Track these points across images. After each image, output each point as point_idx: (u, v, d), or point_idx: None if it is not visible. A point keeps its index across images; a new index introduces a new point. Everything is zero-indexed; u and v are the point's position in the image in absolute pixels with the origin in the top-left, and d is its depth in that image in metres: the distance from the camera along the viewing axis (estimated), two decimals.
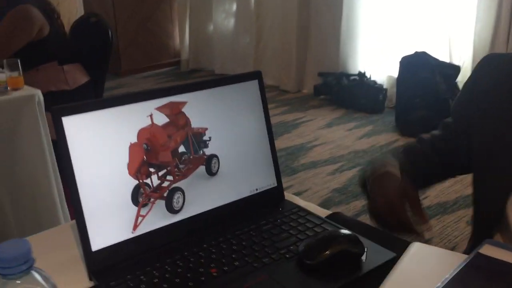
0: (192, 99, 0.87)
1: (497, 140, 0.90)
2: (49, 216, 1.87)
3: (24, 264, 0.49)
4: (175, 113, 0.85)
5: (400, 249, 0.81)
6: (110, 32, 2.58)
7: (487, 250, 0.77)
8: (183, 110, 0.86)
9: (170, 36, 5.75)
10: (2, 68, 1.90)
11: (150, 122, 0.82)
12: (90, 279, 0.77)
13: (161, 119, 0.84)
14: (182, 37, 5.63)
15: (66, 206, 1.95)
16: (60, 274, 0.79)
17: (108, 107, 0.78)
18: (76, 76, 2.49)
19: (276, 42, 4.77)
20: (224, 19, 5.28)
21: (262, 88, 0.96)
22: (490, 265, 0.74)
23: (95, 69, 2.58)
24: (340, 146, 3.44)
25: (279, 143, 3.48)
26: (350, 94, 4.11)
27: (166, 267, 0.77)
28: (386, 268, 0.76)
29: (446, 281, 0.70)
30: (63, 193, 1.93)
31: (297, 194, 2.66)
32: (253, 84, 0.95)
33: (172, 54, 5.82)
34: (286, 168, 3.08)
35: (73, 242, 0.87)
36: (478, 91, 0.95)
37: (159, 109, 0.83)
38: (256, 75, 0.95)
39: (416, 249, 0.80)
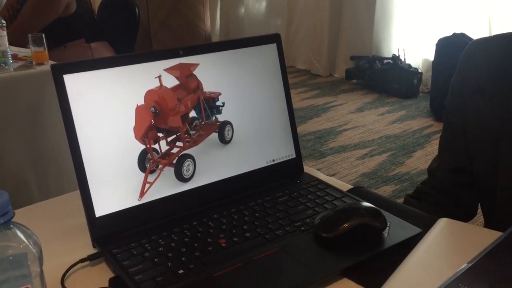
0: (204, 61, 0.81)
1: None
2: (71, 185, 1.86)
3: (1, 218, 0.44)
4: (186, 75, 0.80)
5: (427, 225, 0.74)
6: (137, 10, 2.55)
7: None
8: (195, 72, 0.81)
9: (201, 19, 5.70)
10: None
11: (158, 84, 0.77)
12: (94, 246, 0.73)
13: (170, 81, 0.78)
14: (213, 20, 5.58)
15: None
16: (65, 241, 0.77)
17: (113, 66, 0.74)
18: (103, 54, 2.47)
19: (307, 25, 4.66)
20: (256, 1, 5.20)
21: (281, 53, 0.89)
22: None
23: (122, 47, 2.56)
24: (371, 130, 3.34)
25: (308, 127, 3.40)
26: (383, 78, 3.98)
27: (173, 236, 0.73)
28: (411, 244, 0.69)
29: (479, 258, 0.62)
30: None
31: None
32: (271, 48, 0.88)
33: (203, 37, 5.77)
34: (314, 152, 3.01)
35: (82, 209, 0.84)
36: (473, 84, 0.84)
37: (168, 70, 0.78)
38: (275, 38, 0.89)
39: (444, 224, 0.73)
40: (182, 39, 5.57)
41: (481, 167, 0.86)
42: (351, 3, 4.35)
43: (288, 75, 0.90)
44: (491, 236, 0.68)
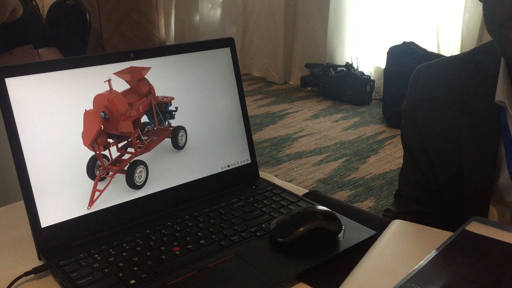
0: (156, 65, 0.79)
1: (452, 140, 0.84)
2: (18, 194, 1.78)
3: None
4: (137, 79, 0.77)
5: (381, 227, 0.75)
6: (88, 15, 2.48)
7: (474, 227, 0.72)
8: (146, 76, 0.79)
9: (155, 26, 5.63)
10: None
11: (108, 88, 0.74)
12: (40, 258, 0.69)
13: (121, 85, 0.76)
14: (167, 28, 5.53)
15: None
16: (9, 253, 0.73)
17: (59, 70, 0.71)
18: None
19: (262, 33, 4.70)
20: (211, 9, 5.19)
21: (235, 57, 0.88)
22: (477, 242, 0.68)
23: (72, 53, 2.49)
24: (326, 137, 3.38)
25: (265, 134, 3.41)
26: (337, 86, 4.05)
27: (124, 245, 0.70)
28: (365, 247, 0.70)
29: (430, 258, 0.63)
30: None
31: None
32: (225, 52, 0.88)
33: (158, 45, 5.71)
34: (271, 159, 3.01)
35: (23, 222, 0.79)
36: (423, 105, 0.89)
37: (119, 74, 0.76)
38: (228, 42, 0.88)
39: (397, 226, 0.74)
40: (136, 46, 5.48)
41: (445, 176, 0.88)
42: (305, 12, 4.42)
43: (243, 82, 0.89)
44: (444, 236, 0.69)
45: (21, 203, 0.74)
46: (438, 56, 3.60)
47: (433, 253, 0.65)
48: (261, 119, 3.70)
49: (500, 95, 0.77)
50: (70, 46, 2.49)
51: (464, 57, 0.89)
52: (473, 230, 0.70)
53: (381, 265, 0.65)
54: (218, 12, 5.15)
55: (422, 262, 0.63)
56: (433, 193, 0.91)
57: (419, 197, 0.93)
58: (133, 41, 5.41)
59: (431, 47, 3.67)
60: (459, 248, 0.66)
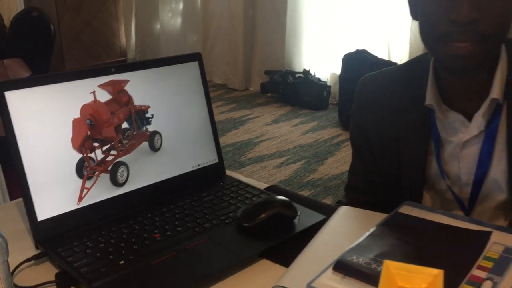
0: (134, 78, 0.91)
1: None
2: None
3: None
4: (118, 90, 0.89)
5: (330, 213, 0.89)
6: (52, 27, 2.55)
7: (406, 210, 0.87)
8: (126, 88, 0.90)
9: (116, 35, 5.69)
10: None
11: (93, 99, 0.86)
12: (37, 247, 0.79)
13: (104, 96, 0.87)
14: (128, 36, 5.58)
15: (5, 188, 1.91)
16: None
17: (51, 83, 0.82)
18: (17, 71, 2.44)
19: (223, 41, 4.83)
20: (171, 18, 5.28)
21: (202, 69, 1.01)
22: (407, 222, 0.83)
23: (37, 64, 2.55)
24: (286, 141, 3.54)
25: (227, 139, 3.53)
26: (296, 92, 4.22)
27: (112, 234, 0.81)
28: (316, 229, 0.83)
29: (367, 234, 0.78)
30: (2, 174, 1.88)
31: None
32: (194, 66, 1.00)
33: (118, 53, 5.75)
34: (233, 162, 3.14)
35: (18, 218, 0.89)
36: (368, 108, 1.03)
37: (102, 86, 0.87)
38: (196, 57, 1.01)
39: (343, 211, 0.88)
40: (97, 55, 5.51)
41: (386, 169, 1.02)
42: (263, 21, 4.58)
43: None
44: (381, 218, 0.84)
45: (13, 202, 0.84)
46: (388, 62, 3.82)
47: (370, 231, 0.79)
48: (224, 124, 3.82)
49: (429, 99, 0.92)
50: (34, 57, 2.55)
51: (402, 67, 1.04)
52: (404, 211, 0.86)
53: (329, 242, 0.79)
54: (179, 20, 5.24)
55: (361, 238, 0.77)
56: (377, 184, 1.06)
57: (365, 189, 1.07)
58: (93, 49, 5.44)
59: (382, 54, 3.90)
60: (391, 226, 0.81)
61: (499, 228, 0.78)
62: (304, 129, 3.75)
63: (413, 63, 1.02)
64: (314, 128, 3.78)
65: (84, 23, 5.33)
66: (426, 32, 0.87)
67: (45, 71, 2.63)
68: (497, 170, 0.88)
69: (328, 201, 2.66)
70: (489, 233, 0.76)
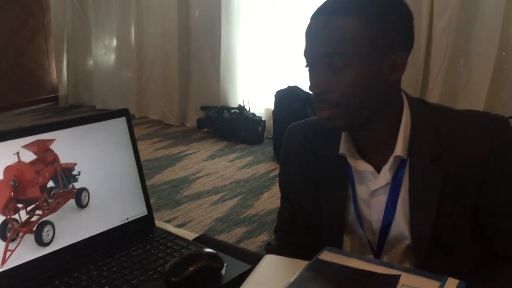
0: (60, 136, 0.92)
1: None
2: None
3: None
4: (43, 150, 0.90)
5: (257, 261, 0.93)
6: None
7: (325, 256, 0.92)
8: (51, 147, 0.91)
9: (46, 71, 5.56)
10: None
11: (17, 160, 0.86)
12: None
13: (28, 156, 0.88)
14: (59, 72, 5.47)
15: None
16: None
17: None
18: None
19: (158, 77, 4.84)
20: (104, 54, 5.24)
21: (130, 124, 1.04)
22: (327, 268, 0.88)
23: None
24: (222, 176, 3.57)
25: (163, 177, 3.52)
26: (231, 127, 4.29)
27: None
28: (242, 278, 0.87)
29: (287, 285, 0.82)
30: None
31: (181, 225, 2.72)
32: (121, 121, 1.03)
33: (49, 90, 5.62)
34: (170, 201, 3.13)
35: None
36: (294, 155, 1.10)
37: (26, 147, 0.87)
38: (123, 113, 1.03)
39: (268, 260, 0.93)
40: (25, 91, 5.35)
41: (309, 213, 1.08)
42: (198, 58, 4.65)
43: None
44: (303, 266, 0.88)
45: None
46: None
47: (292, 279, 0.84)
48: (160, 162, 3.80)
49: (342, 149, 0.99)
50: None
51: None
52: (323, 258, 0.91)
53: None
54: (113, 56, 5.21)
55: (283, 287, 0.81)
56: (303, 226, 1.12)
57: (291, 231, 1.13)
58: (21, 86, 5.28)
59: None
60: (311, 273, 0.86)
61: (408, 271, 0.85)
62: (240, 164, 3.81)
63: None
64: (250, 163, 3.85)
65: (12, 59, 5.18)
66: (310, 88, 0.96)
67: None
68: (401, 219, 0.96)
69: (264, 236, 2.70)
70: (398, 276, 0.83)
